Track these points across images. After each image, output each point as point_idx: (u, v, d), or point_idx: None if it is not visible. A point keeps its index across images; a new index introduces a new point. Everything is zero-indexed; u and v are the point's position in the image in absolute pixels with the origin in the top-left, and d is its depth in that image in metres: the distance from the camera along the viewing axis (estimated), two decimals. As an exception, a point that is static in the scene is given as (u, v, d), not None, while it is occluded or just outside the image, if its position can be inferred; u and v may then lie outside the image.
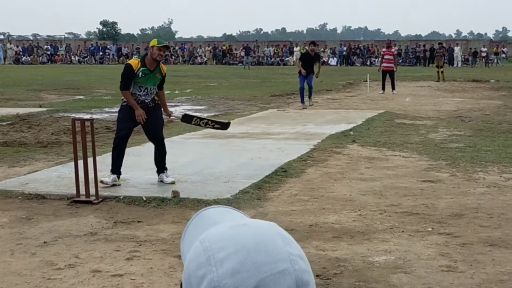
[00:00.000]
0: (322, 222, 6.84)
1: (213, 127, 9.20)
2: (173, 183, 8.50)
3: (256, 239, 1.04)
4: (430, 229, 6.59)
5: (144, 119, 8.45)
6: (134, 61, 8.55)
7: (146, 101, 8.59)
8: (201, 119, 9.17)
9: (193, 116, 9.13)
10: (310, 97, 20.42)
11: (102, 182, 8.22)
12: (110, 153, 8.71)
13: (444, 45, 44.51)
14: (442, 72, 34.01)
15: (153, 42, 8.62)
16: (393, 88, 25.57)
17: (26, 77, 33.49)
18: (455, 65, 59.38)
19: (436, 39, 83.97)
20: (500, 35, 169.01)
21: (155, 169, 8.92)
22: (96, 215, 7.25)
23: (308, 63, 20.15)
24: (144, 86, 8.52)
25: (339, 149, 11.51)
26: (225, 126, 9.17)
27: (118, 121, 8.73)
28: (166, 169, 8.75)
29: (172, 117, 9.23)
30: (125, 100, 8.57)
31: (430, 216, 7.05)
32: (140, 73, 8.42)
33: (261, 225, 1.09)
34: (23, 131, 14.21)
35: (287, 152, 11.02)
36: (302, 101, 20.12)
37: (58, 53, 67.85)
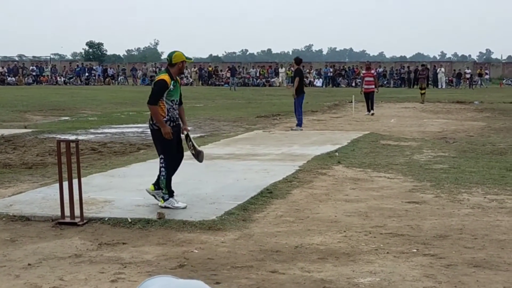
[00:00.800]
0: (308, 244, 6.85)
1: (193, 153, 9.21)
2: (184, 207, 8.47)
3: None
4: (415, 250, 6.61)
5: (171, 136, 8.45)
6: (165, 76, 8.53)
7: (176, 116, 8.63)
8: (192, 143, 9.19)
9: (190, 138, 9.15)
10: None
11: (172, 207, 8.28)
12: (96, 175, 8.67)
13: (428, 66, 44.54)
14: (423, 93, 33.92)
15: (181, 56, 8.62)
16: (371, 108, 25.77)
17: (11, 98, 33.37)
18: (439, 86, 59.78)
19: (420, 61, 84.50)
20: (484, 57, 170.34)
21: (140, 190, 8.89)
22: (81, 236, 7.23)
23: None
24: (175, 99, 8.58)
25: (324, 170, 11.54)
26: (197, 156, 9.18)
27: (162, 145, 8.66)
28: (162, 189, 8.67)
29: (186, 133, 9.18)
30: (154, 122, 8.51)
31: (415, 237, 7.08)
32: (171, 86, 8.48)
33: (188, 283, 1.16)
34: (8, 152, 14.15)
35: (272, 173, 11.03)
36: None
37: (43, 74, 67.68)
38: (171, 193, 8.52)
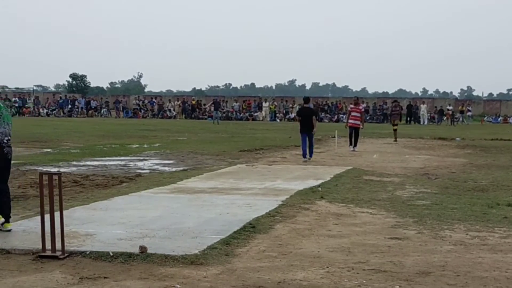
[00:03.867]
0: (290, 279, 6.82)
1: None
2: None
3: None
4: (398, 287, 6.60)
5: None
6: None
7: None
8: None
9: None
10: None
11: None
12: (78, 208, 8.61)
13: (400, 102, 43.75)
14: (396, 130, 32.84)
15: None
16: (355, 145, 25.80)
17: (-7, 129, 33.10)
18: (421, 123, 60.24)
19: (403, 97, 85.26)
20: (465, 94, 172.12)
21: (123, 223, 8.84)
22: (62, 270, 7.15)
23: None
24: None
25: (307, 205, 11.54)
26: None
27: None
28: None
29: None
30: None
31: (397, 274, 7.07)
32: None
33: None
34: (-11, 184, 14.02)
35: (255, 208, 11.02)
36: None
37: (26, 105, 67.57)
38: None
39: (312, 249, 8.22)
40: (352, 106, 27.20)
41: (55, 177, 8.29)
